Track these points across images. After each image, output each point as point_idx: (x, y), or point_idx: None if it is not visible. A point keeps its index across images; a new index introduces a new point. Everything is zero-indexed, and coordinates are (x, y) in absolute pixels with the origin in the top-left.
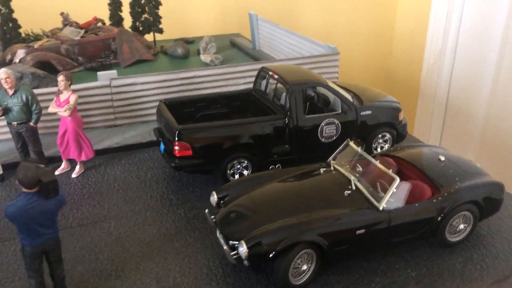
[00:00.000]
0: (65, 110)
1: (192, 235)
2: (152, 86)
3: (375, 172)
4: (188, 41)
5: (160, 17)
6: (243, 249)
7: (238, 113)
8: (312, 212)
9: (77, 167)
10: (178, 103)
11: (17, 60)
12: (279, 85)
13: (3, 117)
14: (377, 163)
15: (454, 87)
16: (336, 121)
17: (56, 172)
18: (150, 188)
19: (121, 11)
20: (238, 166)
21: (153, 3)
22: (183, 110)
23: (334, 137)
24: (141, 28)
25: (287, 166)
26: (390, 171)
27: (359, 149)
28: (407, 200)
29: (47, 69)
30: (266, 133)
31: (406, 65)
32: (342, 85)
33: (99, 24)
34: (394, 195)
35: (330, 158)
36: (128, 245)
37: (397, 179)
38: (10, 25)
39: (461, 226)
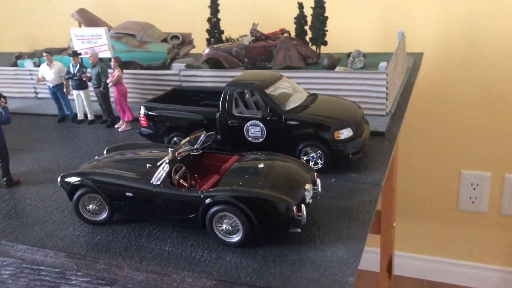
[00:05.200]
0: (110, 82)
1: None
2: (207, 79)
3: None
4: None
5: (326, 31)
6: (58, 180)
7: None
8: (115, 171)
9: (124, 124)
10: (188, 91)
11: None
12: None
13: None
14: (176, 149)
15: None
16: (261, 124)
17: (115, 126)
18: None
19: (306, 24)
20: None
21: (321, 18)
22: (191, 97)
23: (261, 139)
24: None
25: None
26: (168, 156)
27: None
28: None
29: (218, 65)
30: (202, 122)
31: None
32: (320, 98)
33: (285, 34)
34: (161, 175)
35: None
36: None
37: (165, 162)
38: (216, 31)
39: (224, 227)
